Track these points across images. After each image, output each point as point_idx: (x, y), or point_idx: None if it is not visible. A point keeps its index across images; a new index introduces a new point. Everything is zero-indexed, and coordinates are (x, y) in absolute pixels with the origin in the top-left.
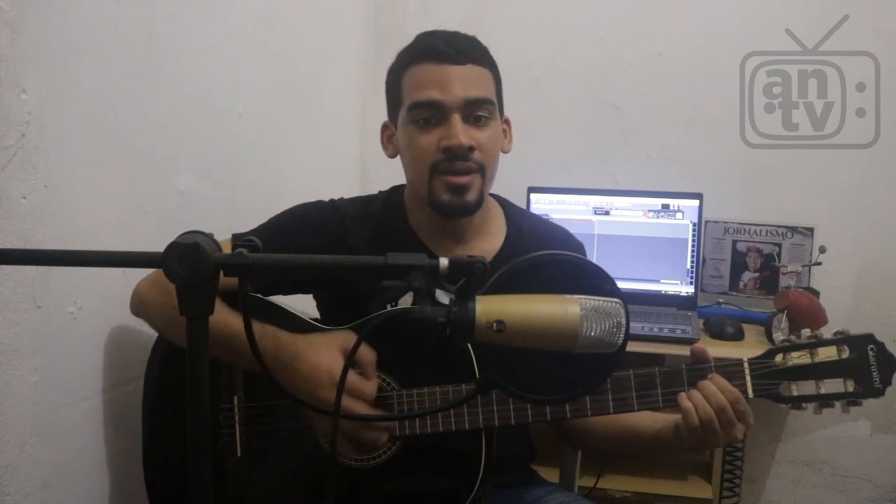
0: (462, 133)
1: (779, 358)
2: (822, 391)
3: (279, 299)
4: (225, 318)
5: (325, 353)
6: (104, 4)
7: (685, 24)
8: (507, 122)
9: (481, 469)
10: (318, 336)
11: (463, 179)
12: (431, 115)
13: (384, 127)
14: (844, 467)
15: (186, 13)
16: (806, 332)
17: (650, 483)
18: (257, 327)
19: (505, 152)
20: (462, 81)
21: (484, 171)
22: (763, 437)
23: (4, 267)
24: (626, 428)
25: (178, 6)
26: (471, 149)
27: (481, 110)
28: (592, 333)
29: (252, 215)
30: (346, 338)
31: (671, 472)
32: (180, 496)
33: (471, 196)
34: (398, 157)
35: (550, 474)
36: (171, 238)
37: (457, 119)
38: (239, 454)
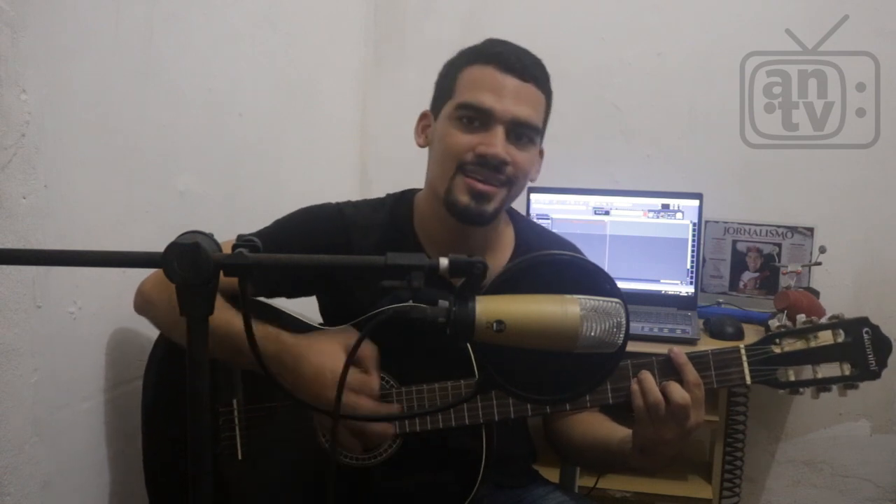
0: (502, 146)
1: (775, 344)
2: (819, 375)
3: (280, 303)
4: (228, 317)
5: (328, 353)
6: (104, 4)
7: (685, 24)
8: (540, 152)
9: (481, 468)
10: (319, 336)
11: (487, 188)
12: (477, 118)
13: (423, 116)
14: (844, 467)
15: (186, 13)
16: (801, 317)
17: (650, 483)
18: (259, 328)
19: (531, 181)
20: (518, 97)
21: (511, 188)
22: (763, 437)
23: (4, 267)
24: (596, 438)
25: (177, 6)
26: (504, 163)
27: (526, 133)
28: (592, 333)
29: (252, 215)
30: (348, 336)
31: (671, 472)
32: (181, 498)
33: (491, 206)
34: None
35: (550, 474)
36: (171, 238)
37: (500, 131)
38: (240, 457)
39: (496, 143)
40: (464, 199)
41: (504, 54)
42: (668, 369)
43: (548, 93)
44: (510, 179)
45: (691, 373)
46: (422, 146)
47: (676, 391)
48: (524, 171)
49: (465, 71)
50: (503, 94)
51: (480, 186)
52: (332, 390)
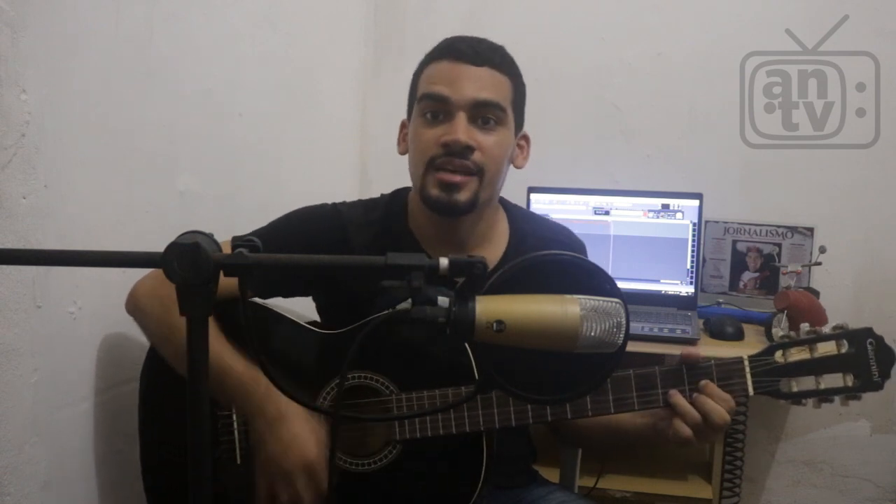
0: (462, 131)
1: (778, 354)
2: (822, 386)
3: (279, 303)
4: (219, 351)
5: (308, 435)
6: (104, 4)
7: (685, 24)
8: (525, 137)
9: (482, 472)
10: (306, 415)
11: (455, 178)
12: (438, 110)
13: (402, 125)
14: (844, 467)
15: (186, 13)
16: (805, 326)
17: (650, 483)
18: (251, 372)
19: (517, 167)
20: (474, 82)
21: (483, 175)
22: (763, 437)
23: (4, 267)
24: (607, 424)
25: (177, 6)
26: (469, 148)
27: (489, 113)
28: (592, 333)
29: (252, 215)
30: (325, 431)
31: (671, 472)
32: (180, 500)
33: (462, 196)
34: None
35: (550, 474)
36: (171, 238)
37: (461, 117)
38: (238, 461)
39: (456, 129)
40: (434, 191)
41: (455, 45)
42: (670, 378)
43: (512, 75)
44: (479, 166)
45: (716, 391)
46: (402, 153)
47: (716, 412)
48: (494, 155)
49: (424, 71)
50: (458, 81)
51: (447, 178)
52: (294, 465)
